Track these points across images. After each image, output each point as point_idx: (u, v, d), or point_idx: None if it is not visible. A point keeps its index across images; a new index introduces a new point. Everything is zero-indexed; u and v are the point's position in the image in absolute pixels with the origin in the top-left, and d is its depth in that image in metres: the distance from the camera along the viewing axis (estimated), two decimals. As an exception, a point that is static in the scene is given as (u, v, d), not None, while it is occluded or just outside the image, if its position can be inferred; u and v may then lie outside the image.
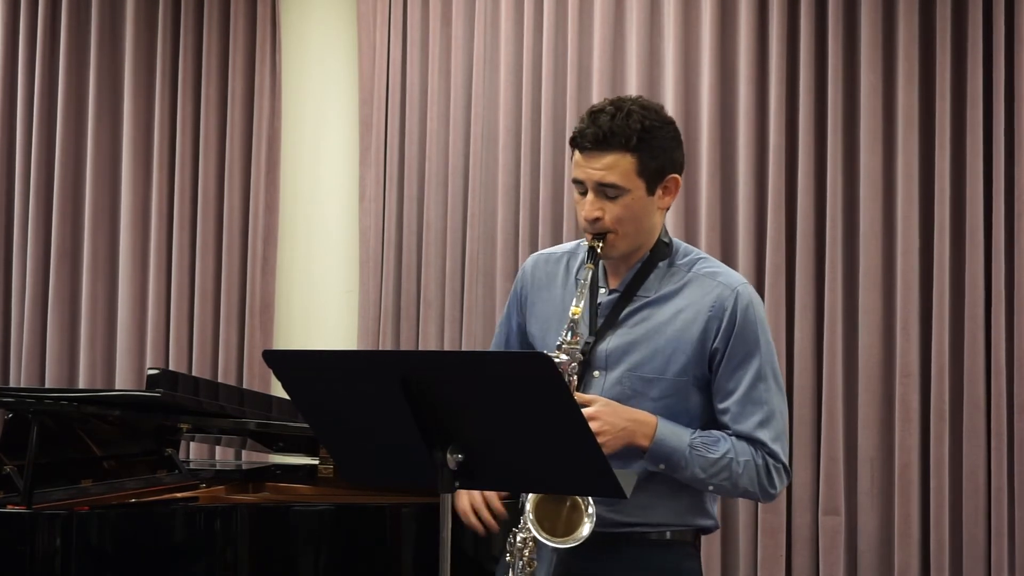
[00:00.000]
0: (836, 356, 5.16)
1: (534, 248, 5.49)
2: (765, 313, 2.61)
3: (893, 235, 5.17)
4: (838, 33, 5.21)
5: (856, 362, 5.17)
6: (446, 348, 5.47)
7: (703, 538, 2.72)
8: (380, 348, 5.57)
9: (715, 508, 2.67)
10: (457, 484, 2.21)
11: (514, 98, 5.57)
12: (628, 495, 2.22)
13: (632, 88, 5.40)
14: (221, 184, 5.92)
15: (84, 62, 6.05)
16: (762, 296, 5.21)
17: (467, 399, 2.18)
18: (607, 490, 2.23)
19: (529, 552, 2.51)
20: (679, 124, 5.43)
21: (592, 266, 2.53)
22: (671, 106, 5.34)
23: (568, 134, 5.36)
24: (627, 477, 2.26)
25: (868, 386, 5.15)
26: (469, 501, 2.64)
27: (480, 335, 5.52)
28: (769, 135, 5.26)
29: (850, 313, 5.20)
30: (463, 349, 5.37)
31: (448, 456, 2.19)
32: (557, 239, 5.45)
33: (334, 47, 5.94)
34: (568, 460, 2.21)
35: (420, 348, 5.53)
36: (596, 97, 5.42)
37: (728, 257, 5.31)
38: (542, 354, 2.17)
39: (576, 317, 2.49)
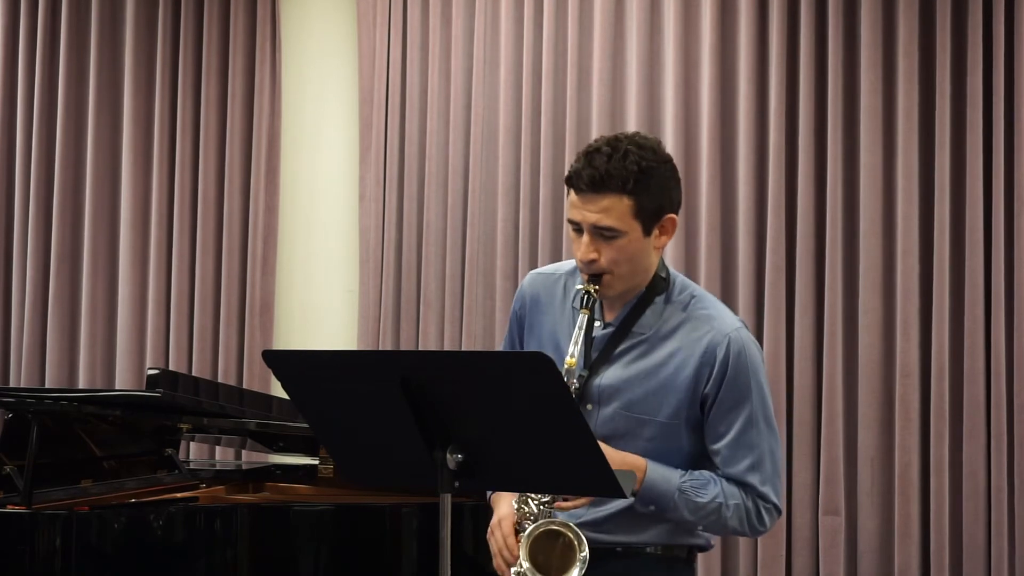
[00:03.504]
0: (836, 356, 5.16)
1: (534, 248, 5.50)
2: (759, 355, 2.58)
3: (893, 235, 5.17)
4: (838, 33, 5.21)
5: (856, 362, 5.17)
6: (446, 348, 5.47)
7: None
8: (380, 348, 5.57)
9: None
10: (457, 484, 2.21)
11: (514, 98, 5.57)
12: (628, 495, 2.22)
13: (632, 88, 5.41)
14: (221, 184, 5.92)
15: (84, 62, 6.04)
16: (762, 296, 5.22)
17: (467, 399, 2.18)
18: (607, 490, 2.23)
19: None
20: (679, 125, 5.49)
21: (587, 311, 2.49)
22: (671, 106, 5.34)
23: (568, 134, 5.44)
24: (627, 477, 2.25)
25: (868, 386, 5.15)
26: (498, 544, 2.58)
27: (480, 335, 5.52)
28: (769, 135, 5.26)
29: (850, 313, 5.20)
30: (463, 349, 5.37)
31: (448, 456, 2.19)
32: (557, 239, 5.45)
33: (334, 47, 5.94)
34: (568, 460, 2.21)
35: (420, 348, 5.53)
36: (596, 97, 5.43)
37: (728, 257, 5.31)
38: (542, 354, 2.16)
39: (571, 368, 2.45)
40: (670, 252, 5.09)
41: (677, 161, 2.62)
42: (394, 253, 5.70)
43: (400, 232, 5.70)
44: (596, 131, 5.39)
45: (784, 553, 5.18)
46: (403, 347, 5.60)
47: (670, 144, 5.16)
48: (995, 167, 5.08)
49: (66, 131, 6.02)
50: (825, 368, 5.17)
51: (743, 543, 5.22)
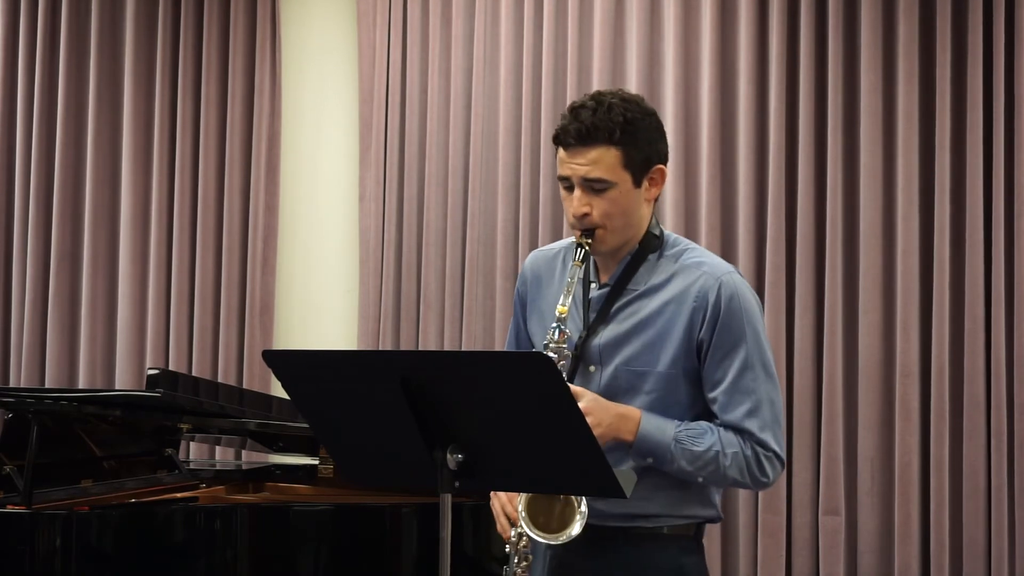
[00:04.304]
0: (836, 356, 5.16)
1: (534, 248, 5.48)
2: (754, 300, 2.58)
3: (893, 235, 5.17)
4: (838, 33, 5.21)
5: (856, 362, 5.17)
6: (446, 348, 5.47)
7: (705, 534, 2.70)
8: (380, 348, 5.57)
9: (717, 498, 2.64)
10: (457, 484, 2.21)
11: (514, 98, 5.57)
12: (628, 495, 2.22)
13: (632, 88, 5.40)
14: (221, 184, 5.92)
15: (84, 62, 6.05)
16: (762, 296, 5.21)
17: (467, 399, 2.18)
18: (607, 490, 2.23)
19: (523, 547, 2.51)
20: (679, 124, 5.48)
21: (580, 264, 2.51)
22: (671, 106, 5.34)
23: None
24: (627, 477, 2.25)
25: (868, 386, 5.15)
26: (499, 505, 2.60)
27: (480, 335, 5.52)
28: (769, 135, 5.26)
29: (850, 313, 5.20)
30: (463, 349, 5.37)
31: (448, 456, 2.19)
32: (557, 239, 5.44)
33: (334, 47, 5.94)
34: (568, 459, 2.21)
35: (420, 348, 5.53)
36: (596, 97, 5.42)
37: (728, 257, 5.30)
38: (541, 354, 2.17)
39: (562, 315, 2.48)
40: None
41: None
42: (394, 253, 5.70)
43: (400, 232, 5.70)
44: (596, 131, 5.39)
45: (784, 553, 5.18)
46: (403, 347, 5.60)
47: (670, 144, 5.15)
48: (995, 167, 5.08)
49: (66, 131, 6.02)
50: (825, 368, 5.17)
51: (743, 543, 5.22)
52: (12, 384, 6.02)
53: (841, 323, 5.18)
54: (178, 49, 5.96)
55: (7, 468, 3.57)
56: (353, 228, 5.84)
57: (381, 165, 5.73)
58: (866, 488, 5.14)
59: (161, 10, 5.95)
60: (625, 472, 2.31)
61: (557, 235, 5.46)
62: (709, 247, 5.26)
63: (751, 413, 2.53)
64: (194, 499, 3.82)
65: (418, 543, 3.68)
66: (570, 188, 2.53)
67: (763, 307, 5.15)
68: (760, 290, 5.25)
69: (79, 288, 6.01)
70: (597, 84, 5.43)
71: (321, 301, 5.92)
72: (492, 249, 5.56)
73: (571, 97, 5.46)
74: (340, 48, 5.92)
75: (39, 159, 6.04)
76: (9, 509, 3.40)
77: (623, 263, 2.60)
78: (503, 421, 2.19)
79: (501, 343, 5.41)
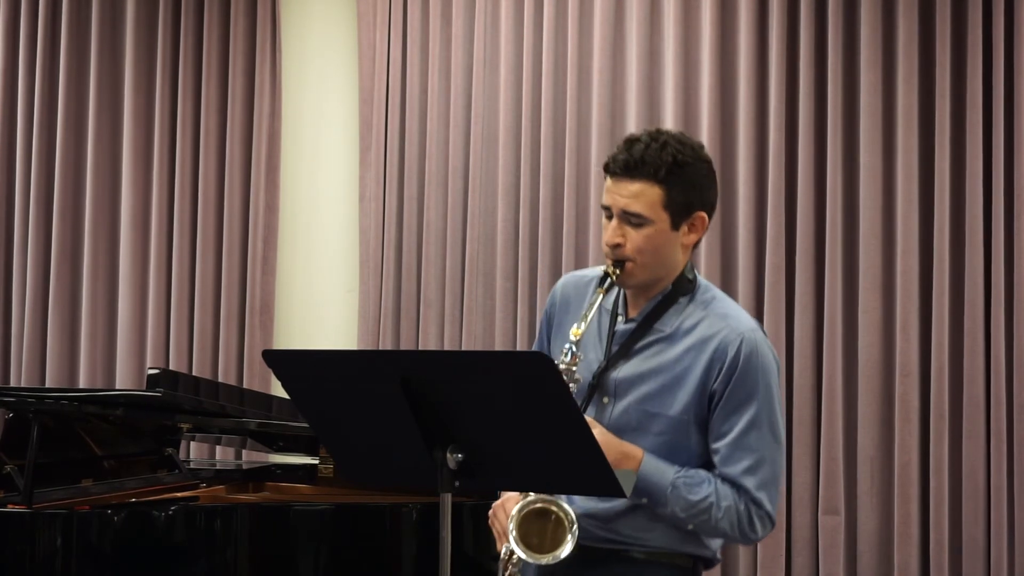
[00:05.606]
0: (836, 356, 5.16)
1: (534, 248, 5.50)
2: (774, 361, 2.56)
3: (893, 235, 5.18)
4: (838, 33, 5.21)
5: (856, 362, 5.18)
6: (446, 348, 5.47)
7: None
8: (380, 348, 5.57)
9: (717, 541, 2.62)
10: (457, 484, 2.22)
11: (514, 98, 5.57)
12: (628, 494, 2.22)
13: (632, 88, 5.41)
14: (221, 184, 5.92)
15: (84, 62, 6.05)
16: (762, 296, 5.22)
17: (467, 399, 2.18)
18: (606, 489, 2.23)
19: (513, 565, 2.51)
20: (679, 126, 5.49)
21: (602, 291, 2.51)
22: (671, 106, 5.35)
23: (568, 134, 5.45)
24: (626, 476, 2.26)
25: (868, 386, 5.15)
26: (501, 531, 2.59)
27: (480, 335, 5.52)
28: (769, 135, 5.27)
29: (850, 313, 5.20)
30: (463, 349, 5.37)
31: (448, 456, 2.19)
32: (557, 239, 5.46)
33: (334, 47, 5.94)
34: (568, 459, 2.21)
35: (420, 348, 5.53)
36: (596, 97, 5.43)
37: (728, 257, 5.32)
38: (542, 354, 2.17)
39: (575, 339, 2.47)
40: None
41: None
42: (394, 253, 5.70)
43: (400, 232, 5.71)
44: (596, 131, 5.40)
45: (784, 553, 5.18)
46: (403, 347, 5.60)
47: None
48: (995, 167, 5.08)
49: (66, 131, 6.02)
50: (825, 368, 5.17)
51: (743, 543, 5.22)
52: (12, 384, 6.02)
53: (841, 323, 5.18)
54: (178, 50, 5.96)
55: (8, 468, 3.57)
56: (353, 228, 5.84)
57: (381, 165, 5.73)
58: (866, 488, 5.14)
59: (161, 11, 5.95)
60: (624, 472, 2.31)
61: (557, 235, 5.46)
62: (709, 247, 5.27)
63: (750, 470, 2.52)
64: (194, 499, 3.82)
65: (418, 543, 3.68)
66: (610, 217, 2.53)
67: (764, 310, 5.19)
68: (760, 290, 5.25)
69: (79, 288, 6.01)
70: (597, 84, 5.43)
71: (321, 301, 5.92)
72: (492, 249, 5.56)
73: (571, 97, 5.47)
74: (340, 48, 5.92)
75: (39, 159, 6.04)
76: (10, 509, 3.41)
77: (653, 302, 2.59)
78: (503, 421, 2.19)
79: (501, 343, 5.42)
